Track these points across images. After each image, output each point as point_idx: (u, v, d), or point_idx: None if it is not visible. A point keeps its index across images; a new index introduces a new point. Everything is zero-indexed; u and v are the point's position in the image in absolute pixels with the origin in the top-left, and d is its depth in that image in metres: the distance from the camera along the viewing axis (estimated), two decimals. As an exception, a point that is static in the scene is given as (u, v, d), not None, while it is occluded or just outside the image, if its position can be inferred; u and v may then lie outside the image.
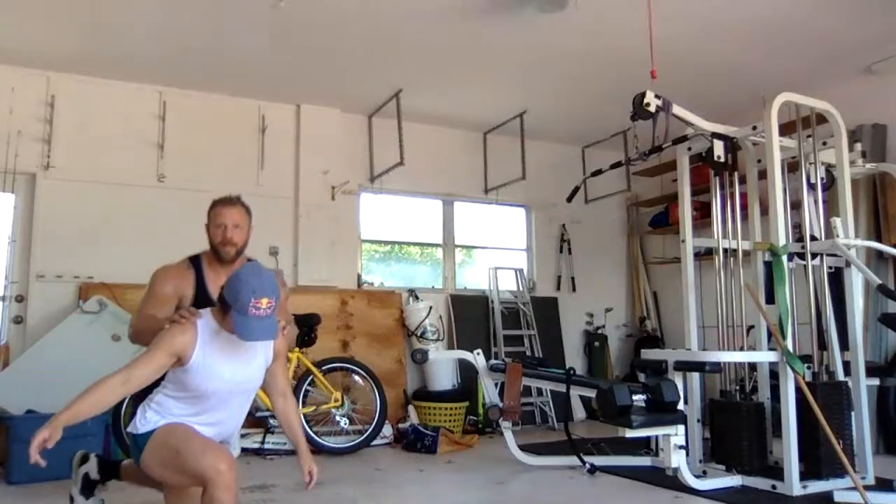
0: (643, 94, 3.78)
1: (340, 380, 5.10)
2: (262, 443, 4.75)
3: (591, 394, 4.01)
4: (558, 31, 4.50)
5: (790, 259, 3.81)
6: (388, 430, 5.14)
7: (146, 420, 2.33)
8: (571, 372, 4.31)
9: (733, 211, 4.23)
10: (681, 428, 3.60)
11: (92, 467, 2.87)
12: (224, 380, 2.32)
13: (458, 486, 3.95)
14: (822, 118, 4.01)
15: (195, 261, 2.87)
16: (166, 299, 2.71)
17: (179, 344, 2.25)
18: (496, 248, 6.86)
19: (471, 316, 6.35)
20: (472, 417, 5.66)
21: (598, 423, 5.42)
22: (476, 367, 4.67)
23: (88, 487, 2.87)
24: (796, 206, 4.15)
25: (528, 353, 6.34)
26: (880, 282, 3.60)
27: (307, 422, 4.78)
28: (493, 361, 4.70)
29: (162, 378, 2.36)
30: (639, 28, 4.12)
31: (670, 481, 3.75)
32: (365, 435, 4.85)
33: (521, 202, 6.89)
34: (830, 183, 4.19)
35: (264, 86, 5.49)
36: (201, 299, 2.72)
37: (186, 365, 2.27)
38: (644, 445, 4.46)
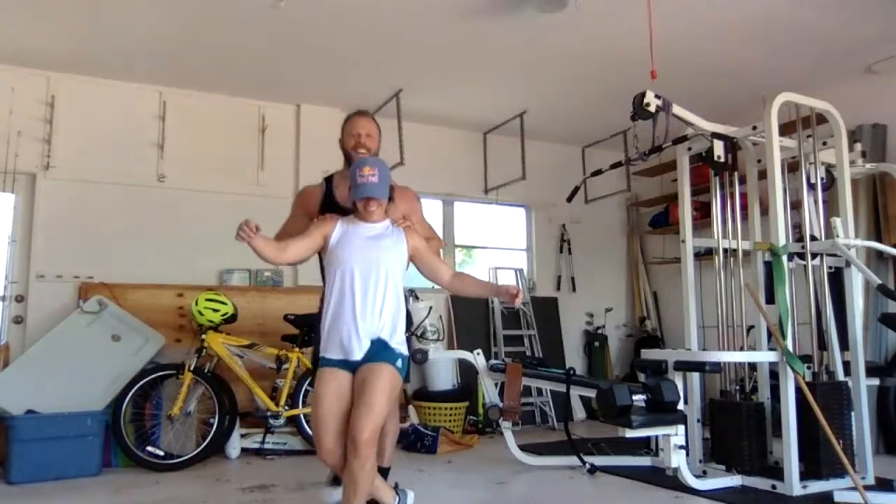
0: (643, 94, 3.78)
1: (340, 380, 5.09)
2: (262, 443, 4.75)
3: (591, 394, 4.01)
4: (558, 31, 4.50)
5: (790, 259, 3.81)
6: (388, 430, 5.13)
7: (320, 340, 2.74)
8: (571, 372, 4.31)
9: (733, 211, 4.23)
10: (681, 428, 3.60)
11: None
12: (358, 247, 2.70)
13: (458, 486, 3.95)
14: (822, 118, 4.01)
15: (329, 177, 3.34)
16: (297, 219, 3.22)
17: (326, 226, 2.79)
18: (496, 248, 6.87)
19: (471, 316, 6.34)
20: (472, 417, 5.66)
21: (598, 423, 5.42)
22: (476, 367, 4.67)
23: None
24: (796, 206, 4.14)
25: (528, 353, 6.34)
26: (880, 282, 3.59)
27: (307, 422, 4.78)
28: (493, 361, 4.70)
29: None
30: (639, 28, 4.13)
31: (670, 481, 3.75)
32: (365, 435, 4.84)
33: (521, 202, 6.89)
34: (830, 183, 4.19)
35: (264, 86, 5.49)
36: (328, 205, 3.16)
37: (329, 243, 2.75)
38: (644, 445, 4.46)
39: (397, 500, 2.89)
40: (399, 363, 2.65)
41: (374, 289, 2.66)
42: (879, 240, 4.83)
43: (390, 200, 2.82)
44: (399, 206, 2.99)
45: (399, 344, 2.70)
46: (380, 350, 2.63)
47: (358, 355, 2.61)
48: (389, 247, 2.76)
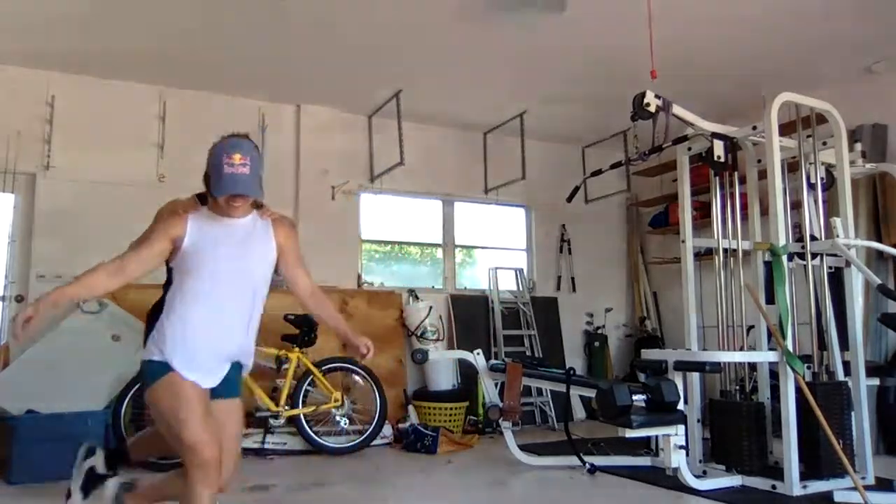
0: (643, 94, 3.78)
1: (340, 380, 5.09)
2: (262, 443, 4.74)
3: (591, 394, 4.01)
4: (558, 31, 4.50)
5: (790, 259, 3.81)
6: (388, 430, 5.14)
7: (154, 347, 2.27)
8: (571, 372, 4.31)
9: (733, 211, 4.23)
10: (681, 428, 3.61)
11: (99, 461, 2.77)
12: (219, 258, 2.28)
13: (458, 486, 3.95)
14: (822, 118, 4.01)
15: (202, 197, 2.80)
16: (159, 241, 2.64)
17: (173, 228, 2.30)
18: (496, 248, 6.87)
19: (471, 316, 6.34)
20: (472, 417, 5.66)
21: (598, 423, 5.42)
22: (476, 367, 4.67)
23: (91, 483, 2.76)
24: (796, 206, 4.15)
25: (528, 353, 6.33)
26: (880, 282, 3.60)
27: (307, 422, 4.78)
28: (493, 361, 4.70)
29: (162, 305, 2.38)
30: (639, 28, 4.12)
31: (670, 481, 3.75)
32: (365, 435, 4.85)
33: (521, 202, 6.89)
34: (830, 183, 4.19)
35: (264, 86, 5.49)
36: None
37: (182, 248, 2.29)
38: (644, 445, 4.46)
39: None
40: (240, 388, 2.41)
41: (241, 305, 2.30)
42: (879, 240, 4.82)
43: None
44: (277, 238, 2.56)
45: (250, 359, 2.42)
46: (233, 380, 2.34)
47: (213, 383, 2.28)
48: (258, 250, 2.35)
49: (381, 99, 5.71)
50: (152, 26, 4.42)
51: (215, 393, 2.30)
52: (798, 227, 4.04)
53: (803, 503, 3.39)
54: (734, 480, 3.73)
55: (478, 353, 4.65)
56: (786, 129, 3.98)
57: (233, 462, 2.31)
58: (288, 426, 4.81)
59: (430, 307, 5.90)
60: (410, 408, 5.56)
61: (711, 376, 4.13)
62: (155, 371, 2.22)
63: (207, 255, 2.28)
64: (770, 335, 3.84)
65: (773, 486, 3.53)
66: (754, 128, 3.96)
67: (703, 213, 5.43)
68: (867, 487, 3.37)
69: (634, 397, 3.57)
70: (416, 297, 6.05)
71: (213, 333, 2.27)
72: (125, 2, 4.11)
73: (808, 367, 3.73)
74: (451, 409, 5.52)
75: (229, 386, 2.33)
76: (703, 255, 4.96)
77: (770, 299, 3.84)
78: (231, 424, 2.33)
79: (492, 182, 6.53)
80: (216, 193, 2.28)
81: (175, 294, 2.32)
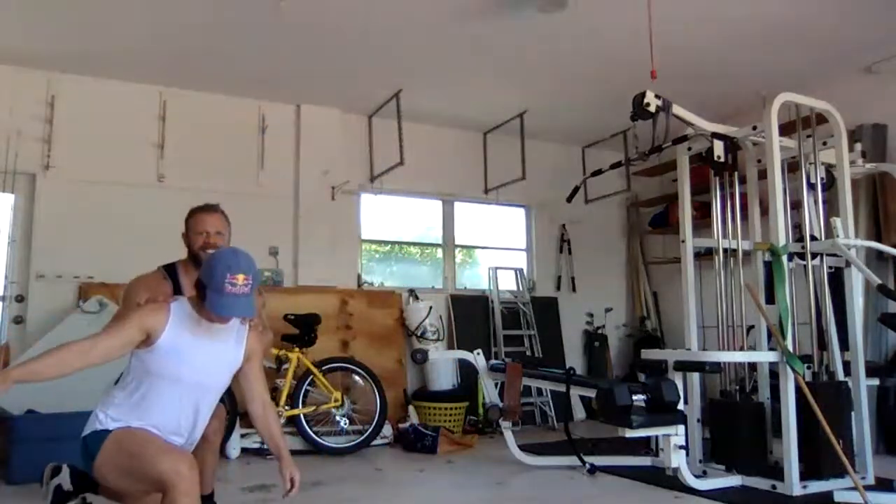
0: (643, 94, 3.78)
1: (340, 380, 5.10)
2: (263, 443, 4.74)
3: (591, 394, 4.01)
4: (558, 31, 4.50)
5: (790, 259, 3.81)
6: (388, 430, 5.14)
7: (97, 421, 2.22)
8: (571, 372, 4.31)
9: (733, 211, 4.23)
10: (681, 428, 3.60)
11: (65, 479, 2.73)
12: (192, 366, 2.21)
13: (458, 486, 3.95)
14: (822, 118, 4.01)
15: (170, 269, 2.85)
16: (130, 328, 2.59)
17: (151, 319, 2.16)
18: (496, 248, 6.87)
19: (471, 316, 6.34)
20: (472, 417, 5.66)
21: (598, 423, 5.42)
22: (476, 367, 4.67)
23: (61, 500, 2.71)
24: (796, 206, 4.14)
25: (528, 353, 6.33)
26: (880, 282, 3.59)
27: (307, 422, 4.78)
28: (493, 361, 4.70)
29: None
30: (639, 28, 4.12)
31: (670, 481, 3.74)
32: (365, 435, 4.85)
33: (521, 202, 6.89)
34: (830, 183, 4.18)
35: (264, 86, 5.49)
36: None
37: (154, 344, 2.16)
38: (644, 445, 4.46)
39: None
40: None
41: (195, 411, 2.27)
42: (879, 240, 4.82)
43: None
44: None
45: (192, 447, 2.34)
46: None
47: None
48: (227, 358, 2.32)
49: (381, 99, 5.70)
50: (152, 26, 4.42)
51: None
52: (798, 227, 4.04)
53: (803, 503, 3.39)
54: (734, 480, 3.72)
55: (478, 353, 4.65)
56: (786, 129, 3.98)
57: None
58: (288, 426, 4.80)
59: (430, 307, 5.90)
60: (410, 408, 5.56)
61: (711, 376, 4.13)
62: (97, 438, 2.17)
63: (179, 361, 2.20)
64: (770, 335, 3.84)
65: (773, 486, 3.53)
66: (754, 128, 3.96)
67: (703, 213, 5.42)
68: (867, 487, 3.37)
69: (634, 397, 3.57)
70: (416, 297, 6.05)
71: (160, 432, 2.22)
72: (125, 2, 4.11)
73: (808, 367, 3.73)
74: (451, 409, 5.52)
75: None
76: (703, 255, 4.95)
77: (770, 299, 3.83)
78: None
79: (492, 182, 6.53)
80: (214, 312, 2.17)
81: (130, 381, 2.25)
